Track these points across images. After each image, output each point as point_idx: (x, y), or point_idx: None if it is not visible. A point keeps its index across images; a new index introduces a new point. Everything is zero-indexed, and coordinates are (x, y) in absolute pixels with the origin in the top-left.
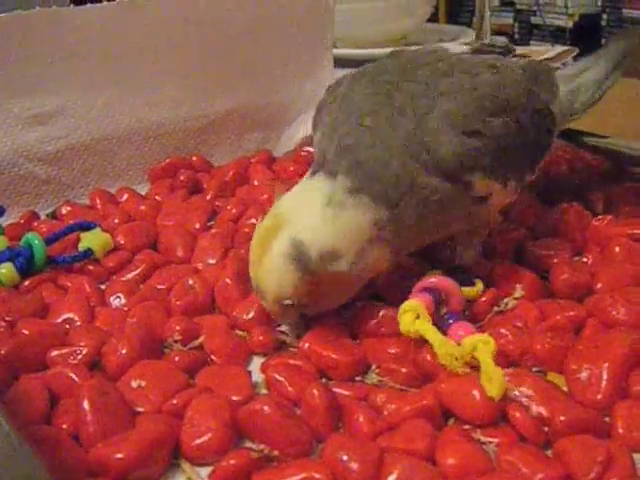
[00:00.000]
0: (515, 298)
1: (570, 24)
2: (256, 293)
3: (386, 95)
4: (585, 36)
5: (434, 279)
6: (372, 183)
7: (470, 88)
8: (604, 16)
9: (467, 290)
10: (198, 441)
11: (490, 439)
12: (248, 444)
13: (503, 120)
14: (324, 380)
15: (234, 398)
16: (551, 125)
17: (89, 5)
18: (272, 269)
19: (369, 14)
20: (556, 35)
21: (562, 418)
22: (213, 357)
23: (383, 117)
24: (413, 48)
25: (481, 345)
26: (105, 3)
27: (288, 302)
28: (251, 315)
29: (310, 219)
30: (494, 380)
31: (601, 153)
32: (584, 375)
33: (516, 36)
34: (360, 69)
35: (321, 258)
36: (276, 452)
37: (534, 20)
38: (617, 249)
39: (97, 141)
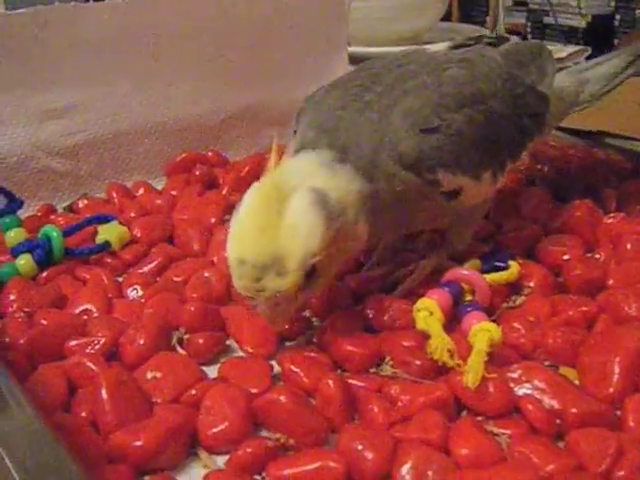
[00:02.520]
0: (526, 294)
1: (583, 24)
2: (260, 272)
3: (356, 95)
4: (598, 36)
5: (464, 272)
6: (350, 157)
7: (434, 85)
8: (617, 16)
9: (494, 277)
10: (215, 430)
11: (503, 430)
12: (264, 433)
13: (468, 114)
14: (339, 371)
15: (253, 390)
16: (537, 108)
17: (107, 1)
18: (298, 223)
19: (383, 12)
20: (569, 35)
21: (574, 410)
22: (243, 346)
23: (352, 110)
24: (393, 54)
25: (481, 333)
26: None
27: (315, 260)
28: None
29: (316, 175)
30: (471, 368)
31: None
32: (596, 369)
33: (529, 36)
34: (335, 80)
35: (338, 204)
36: (292, 441)
37: (547, 20)
38: (629, 246)
39: (114, 135)
